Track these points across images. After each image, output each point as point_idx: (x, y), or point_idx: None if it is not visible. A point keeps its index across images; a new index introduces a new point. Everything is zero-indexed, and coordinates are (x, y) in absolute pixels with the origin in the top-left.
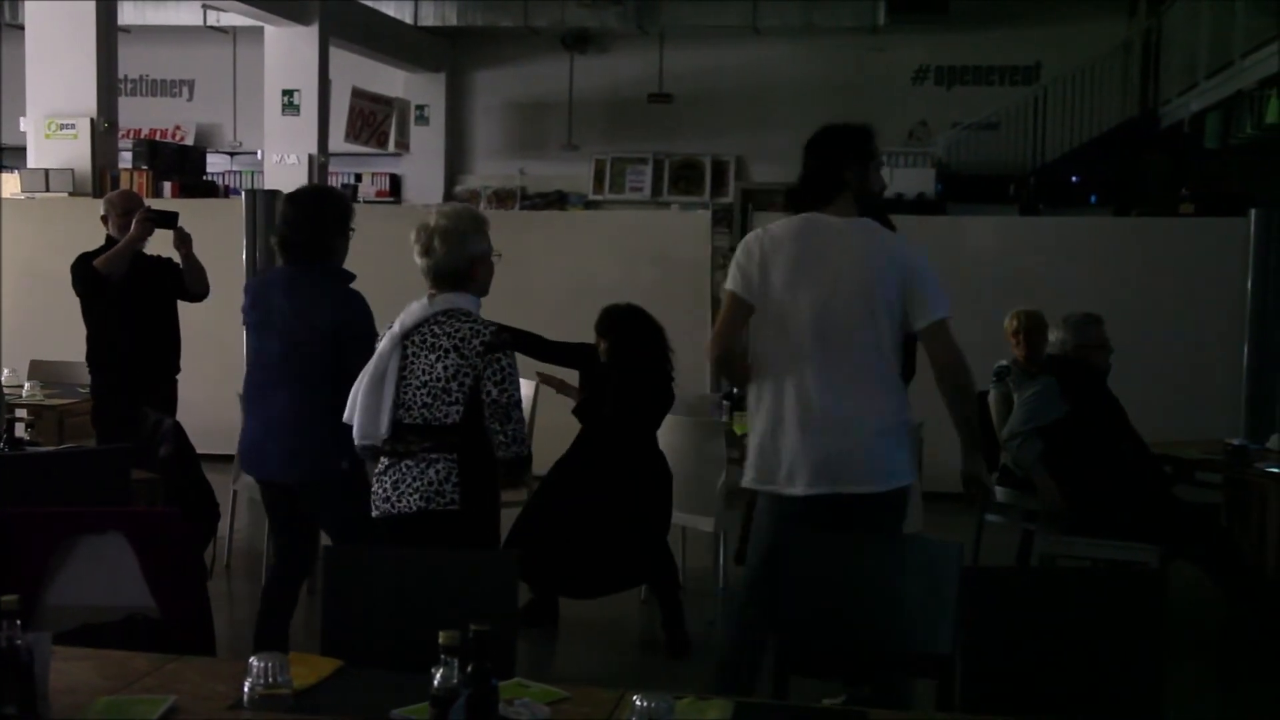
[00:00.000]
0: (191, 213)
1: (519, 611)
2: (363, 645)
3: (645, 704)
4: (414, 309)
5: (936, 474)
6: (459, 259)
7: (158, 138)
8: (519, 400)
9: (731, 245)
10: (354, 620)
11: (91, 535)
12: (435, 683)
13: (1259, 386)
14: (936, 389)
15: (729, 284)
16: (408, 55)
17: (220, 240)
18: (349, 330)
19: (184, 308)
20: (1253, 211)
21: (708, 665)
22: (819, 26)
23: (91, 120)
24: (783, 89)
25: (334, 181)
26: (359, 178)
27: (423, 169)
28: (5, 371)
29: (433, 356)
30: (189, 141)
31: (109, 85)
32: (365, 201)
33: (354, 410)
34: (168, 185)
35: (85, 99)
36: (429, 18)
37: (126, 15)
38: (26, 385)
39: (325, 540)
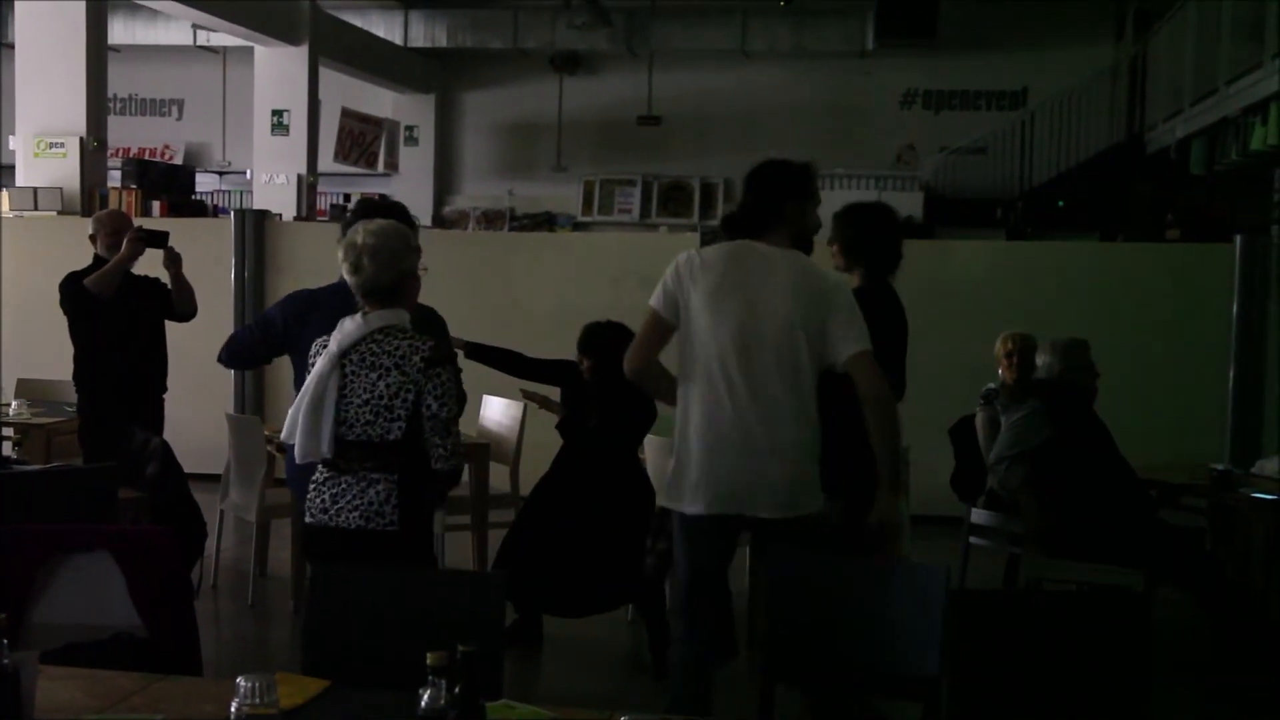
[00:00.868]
0: (180, 232)
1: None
2: (346, 665)
3: None
4: (349, 327)
5: (923, 497)
6: (389, 275)
7: (147, 157)
8: (457, 415)
9: None
10: (337, 640)
11: (78, 553)
12: (423, 703)
13: (1244, 412)
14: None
15: (652, 301)
16: (397, 76)
17: (209, 260)
18: None
19: (172, 327)
20: (1238, 237)
21: None
22: (808, 50)
23: (81, 139)
24: (771, 112)
25: (323, 202)
26: (348, 198)
27: (412, 189)
28: None
29: (374, 375)
30: (178, 161)
31: (98, 104)
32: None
33: (294, 430)
34: (156, 204)
35: (74, 118)
36: (419, 39)
37: (116, 35)
38: (14, 404)
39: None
